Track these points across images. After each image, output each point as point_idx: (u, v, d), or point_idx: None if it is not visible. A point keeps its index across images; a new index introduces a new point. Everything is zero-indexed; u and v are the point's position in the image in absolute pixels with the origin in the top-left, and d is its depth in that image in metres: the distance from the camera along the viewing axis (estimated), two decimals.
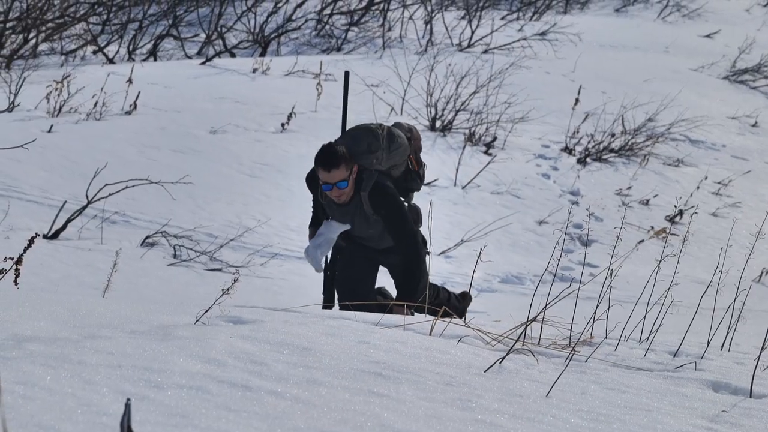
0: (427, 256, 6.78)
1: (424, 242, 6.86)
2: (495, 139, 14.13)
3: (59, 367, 3.58)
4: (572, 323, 5.15)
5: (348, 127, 6.91)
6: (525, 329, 4.79)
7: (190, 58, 18.98)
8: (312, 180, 6.72)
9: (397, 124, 6.88)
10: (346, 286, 6.90)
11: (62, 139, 11.67)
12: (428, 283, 6.80)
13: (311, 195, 6.84)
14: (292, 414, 3.43)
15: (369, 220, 6.70)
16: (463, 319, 6.04)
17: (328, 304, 7.02)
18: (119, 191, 9.62)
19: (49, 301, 4.85)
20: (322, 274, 6.94)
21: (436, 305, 6.85)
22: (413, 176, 6.94)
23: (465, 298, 7.32)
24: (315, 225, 6.90)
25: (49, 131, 11.81)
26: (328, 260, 6.97)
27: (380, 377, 3.98)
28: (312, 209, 6.93)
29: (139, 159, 11.43)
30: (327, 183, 6.51)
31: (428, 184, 12.26)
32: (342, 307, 6.83)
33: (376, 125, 6.71)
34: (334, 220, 6.77)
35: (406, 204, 6.86)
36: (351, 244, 6.91)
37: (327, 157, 6.49)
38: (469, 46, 20.04)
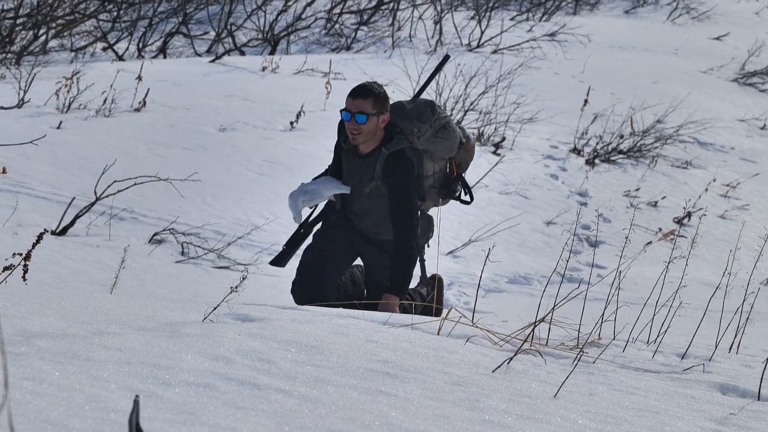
0: (422, 250, 6.49)
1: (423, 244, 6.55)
2: (503, 139, 14.12)
3: (68, 364, 3.58)
4: (580, 324, 5.15)
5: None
6: (533, 330, 4.79)
7: (199, 55, 19.00)
8: (342, 126, 6.40)
9: (461, 127, 6.64)
10: (314, 261, 6.47)
11: (71, 135, 11.68)
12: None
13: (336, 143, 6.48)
14: (300, 412, 3.43)
15: (373, 189, 6.33)
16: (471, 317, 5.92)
17: (278, 261, 6.60)
18: (128, 188, 9.63)
19: (57, 297, 4.85)
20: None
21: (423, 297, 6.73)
22: (447, 182, 6.61)
23: (435, 281, 6.78)
24: (330, 173, 6.55)
25: (58, 127, 11.82)
26: (311, 218, 6.59)
27: (388, 376, 3.98)
28: (331, 162, 6.57)
29: (148, 156, 11.44)
30: (347, 110, 6.21)
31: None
32: (298, 283, 6.44)
33: (442, 107, 6.45)
34: (335, 180, 6.41)
35: (419, 211, 6.49)
36: (341, 219, 6.51)
37: (361, 86, 6.25)
38: (478, 46, 20.03)
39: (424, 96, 6.87)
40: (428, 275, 6.81)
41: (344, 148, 6.43)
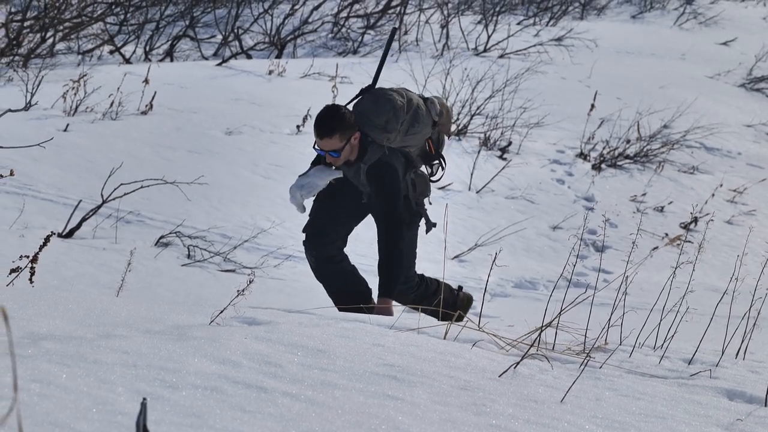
0: (413, 249, 6.43)
1: (430, 224, 6.50)
2: (510, 143, 14.12)
3: (75, 366, 3.58)
4: (587, 329, 5.14)
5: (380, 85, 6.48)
6: (540, 335, 4.79)
7: (206, 59, 19.01)
8: None
9: (431, 102, 6.46)
10: (318, 219, 6.55)
11: (78, 138, 11.69)
12: (417, 279, 6.61)
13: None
14: (307, 416, 3.43)
15: (366, 193, 6.38)
16: (477, 322, 5.87)
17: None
18: (134, 191, 9.63)
19: (64, 300, 4.86)
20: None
21: (424, 297, 6.73)
22: (428, 160, 6.55)
23: (464, 298, 6.93)
24: (315, 164, 6.55)
25: (65, 130, 11.83)
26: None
27: (394, 380, 3.98)
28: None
29: (155, 159, 11.45)
30: (320, 149, 6.23)
31: (443, 188, 12.26)
32: (306, 239, 6.52)
33: (405, 101, 6.30)
34: (327, 168, 6.39)
35: (415, 172, 6.45)
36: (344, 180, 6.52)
37: (323, 123, 6.17)
38: (485, 50, 20.03)
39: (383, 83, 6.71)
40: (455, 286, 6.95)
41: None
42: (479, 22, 21.95)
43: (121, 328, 4.23)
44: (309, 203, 6.66)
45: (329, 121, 6.17)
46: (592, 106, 15.49)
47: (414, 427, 3.48)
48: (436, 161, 6.60)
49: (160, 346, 3.95)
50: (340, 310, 6.12)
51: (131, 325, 4.31)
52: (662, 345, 5.27)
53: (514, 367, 4.41)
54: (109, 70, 15.46)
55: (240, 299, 4.61)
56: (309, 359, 4.08)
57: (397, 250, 6.29)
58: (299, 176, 6.49)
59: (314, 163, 6.55)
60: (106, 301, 5.07)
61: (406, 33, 21.21)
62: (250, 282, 4.59)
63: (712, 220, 12.06)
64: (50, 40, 17.18)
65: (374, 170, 6.27)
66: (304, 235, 6.60)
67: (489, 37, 20.45)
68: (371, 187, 6.32)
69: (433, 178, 6.64)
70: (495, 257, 5.23)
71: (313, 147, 6.32)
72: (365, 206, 6.50)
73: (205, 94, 14.20)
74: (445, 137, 6.67)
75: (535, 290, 10.14)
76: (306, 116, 13.14)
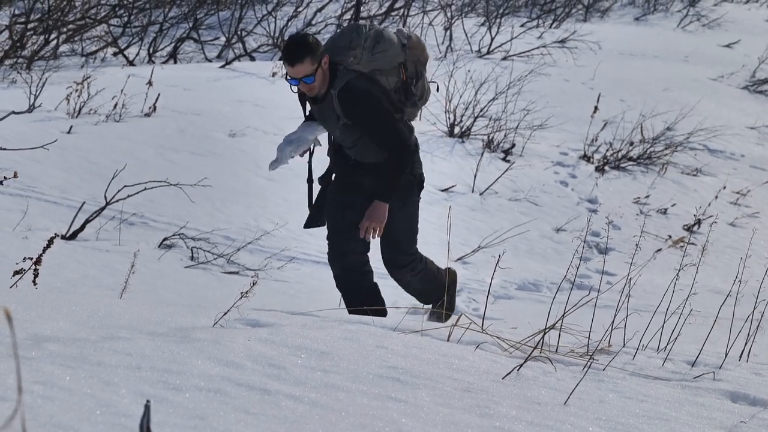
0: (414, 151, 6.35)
1: (416, 147, 6.40)
2: (513, 145, 14.12)
3: (78, 368, 3.59)
4: (590, 331, 5.14)
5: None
6: (543, 337, 4.79)
7: (210, 61, 19.02)
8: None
9: (398, 31, 6.43)
10: (337, 230, 6.51)
11: (81, 140, 11.70)
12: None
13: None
14: (311, 418, 3.43)
15: (342, 126, 6.29)
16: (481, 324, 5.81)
17: (312, 222, 6.62)
18: (138, 193, 9.64)
19: (67, 302, 4.86)
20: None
21: (427, 283, 6.73)
22: (406, 89, 6.42)
23: (450, 274, 6.80)
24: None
25: (69, 132, 11.84)
26: (311, 171, 6.63)
27: (398, 382, 3.98)
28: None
29: (158, 161, 11.45)
30: (293, 78, 6.18)
31: (446, 190, 12.26)
32: (330, 256, 6.54)
33: (368, 24, 6.33)
34: (314, 123, 6.44)
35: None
36: (336, 161, 6.53)
37: (290, 50, 6.14)
38: (488, 52, 20.03)
39: None
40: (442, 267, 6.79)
41: (305, 98, 6.48)
42: (482, 25, 21.95)
43: (125, 330, 4.23)
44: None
45: (297, 46, 6.15)
46: (596, 108, 15.49)
47: (417, 429, 3.48)
48: (415, 95, 6.46)
49: (164, 348, 3.95)
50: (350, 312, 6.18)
51: (134, 327, 4.31)
52: (666, 347, 5.27)
53: (518, 370, 4.41)
54: (113, 72, 15.47)
55: (243, 301, 4.61)
56: (312, 361, 4.08)
57: (399, 153, 6.23)
58: (285, 136, 6.53)
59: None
60: (110, 303, 5.08)
61: None
62: (254, 284, 4.59)
63: (715, 222, 12.06)
64: (54, 42, 17.19)
65: (344, 93, 6.19)
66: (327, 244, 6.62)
67: (492, 39, 20.45)
68: (349, 113, 6.22)
69: (417, 98, 6.50)
70: (498, 259, 5.22)
71: (286, 79, 6.33)
72: (365, 196, 6.40)
73: (208, 96, 14.21)
74: (424, 70, 6.52)
75: (539, 292, 10.14)
76: None
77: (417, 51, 6.43)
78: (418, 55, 6.45)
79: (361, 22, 6.39)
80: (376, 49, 6.27)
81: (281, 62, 17.07)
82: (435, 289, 6.73)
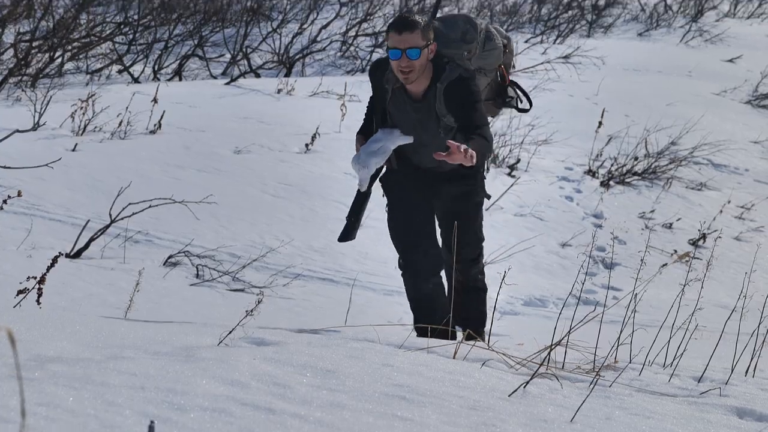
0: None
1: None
2: (518, 161, 14.11)
3: (82, 389, 3.57)
4: (596, 347, 5.13)
5: None
6: (549, 353, 4.77)
7: (215, 78, 19.04)
8: (377, 69, 5.90)
9: (496, 29, 6.02)
10: (407, 229, 6.07)
11: (86, 157, 11.71)
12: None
13: (370, 93, 5.95)
14: None
15: (437, 126, 5.80)
16: (487, 341, 5.68)
17: (347, 235, 6.05)
18: (143, 210, 9.63)
19: (71, 321, 4.85)
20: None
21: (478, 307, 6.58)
22: (502, 91, 6.10)
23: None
24: (365, 133, 6.00)
25: (74, 150, 11.85)
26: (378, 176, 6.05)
27: (404, 401, 3.96)
28: (365, 114, 6.07)
29: (163, 178, 11.46)
30: (396, 48, 5.59)
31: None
32: (405, 268, 6.13)
33: (476, 16, 5.89)
34: (394, 130, 5.87)
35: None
36: (403, 169, 6.01)
37: (402, 19, 5.63)
38: None
39: None
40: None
41: (387, 97, 5.90)
42: None
43: (129, 349, 4.22)
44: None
45: (412, 15, 5.68)
46: (600, 123, 15.49)
47: None
48: (513, 89, 6.17)
49: (168, 368, 3.94)
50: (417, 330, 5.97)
51: (139, 346, 4.30)
52: (672, 363, 5.25)
53: (524, 387, 4.40)
54: (118, 89, 15.49)
55: (248, 319, 4.60)
56: (318, 380, 4.07)
57: (490, 138, 5.68)
58: (362, 147, 5.90)
59: (362, 133, 6.04)
60: (114, 322, 5.07)
61: None
62: (259, 302, 4.58)
63: (720, 236, 12.03)
64: (59, 60, 17.23)
65: (454, 88, 5.71)
66: (400, 260, 6.21)
67: None
68: (453, 110, 5.74)
69: (514, 103, 6.22)
70: (504, 275, 5.21)
71: (387, 51, 5.71)
72: (431, 205, 6.13)
73: (213, 113, 14.22)
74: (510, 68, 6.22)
75: (545, 308, 10.12)
76: (315, 134, 13.14)
77: (511, 55, 6.18)
78: (511, 59, 6.20)
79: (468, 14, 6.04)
80: (487, 46, 5.94)
81: (286, 79, 17.12)
82: (485, 312, 6.59)
